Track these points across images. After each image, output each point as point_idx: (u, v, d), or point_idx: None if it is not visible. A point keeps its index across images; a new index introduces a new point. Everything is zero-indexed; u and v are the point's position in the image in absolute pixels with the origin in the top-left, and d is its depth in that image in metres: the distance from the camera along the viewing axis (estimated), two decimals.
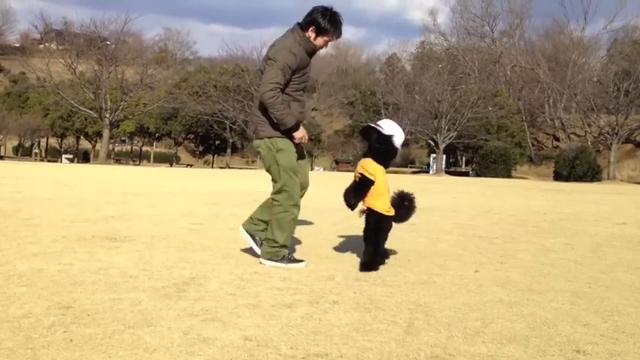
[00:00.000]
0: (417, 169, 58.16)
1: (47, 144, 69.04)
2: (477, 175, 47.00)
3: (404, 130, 4.62)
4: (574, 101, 53.97)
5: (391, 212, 4.21)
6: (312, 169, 54.16)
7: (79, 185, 13.23)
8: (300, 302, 3.20)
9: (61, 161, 57.73)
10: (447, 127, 51.96)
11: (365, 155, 4.31)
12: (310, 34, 4.09)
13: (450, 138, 52.07)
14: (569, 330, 2.87)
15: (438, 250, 5.27)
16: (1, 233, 5.28)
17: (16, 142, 67.11)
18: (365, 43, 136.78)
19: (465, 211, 9.87)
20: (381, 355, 2.42)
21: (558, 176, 42.90)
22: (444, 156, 52.74)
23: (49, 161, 57.82)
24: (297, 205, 4.20)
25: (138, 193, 11.15)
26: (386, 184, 4.24)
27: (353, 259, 4.60)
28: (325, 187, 14.18)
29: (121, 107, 54.47)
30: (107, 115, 53.59)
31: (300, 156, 4.33)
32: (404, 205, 4.34)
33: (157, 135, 62.12)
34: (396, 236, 6.15)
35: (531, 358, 2.46)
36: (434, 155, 53.45)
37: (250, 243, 4.41)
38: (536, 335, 2.76)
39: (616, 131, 47.85)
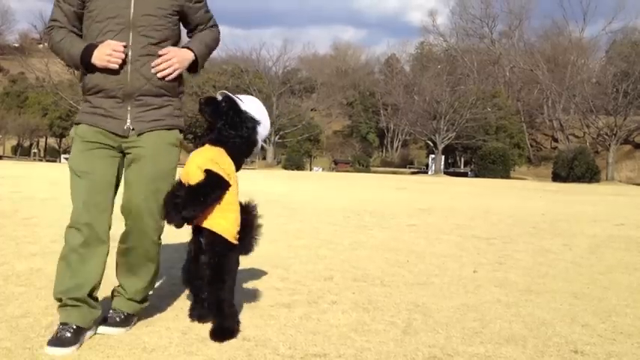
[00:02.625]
0: (416, 170, 58.16)
1: (46, 144, 68.98)
2: (476, 175, 47.03)
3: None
4: (573, 102, 54.05)
5: (235, 239, 2.64)
6: (310, 170, 54.18)
7: None
8: (299, 302, 3.20)
9: (60, 161, 57.68)
10: (445, 128, 52.03)
11: (211, 143, 2.63)
12: None
13: (449, 139, 52.14)
14: (567, 330, 2.87)
15: (436, 251, 5.28)
16: (0, 233, 5.28)
17: (14, 142, 67.07)
18: (364, 44, 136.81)
19: (463, 211, 9.87)
20: (379, 355, 2.42)
21: (557, 177, 42.97)
22: (443, 157, 52.82)
23: (47, 161, 57.78)
24: (77, 228, 2.54)
25: None
26: (237, 195, 2.69)
27: (352, 260, 4.60)
28: (325, 187, 14.19)
29: None
30: None
31: (138, 169, 2.59)
32: (245, 230, 2.69)
33: None
34: (395, 237, 6.17)
35: (529, 359, 2.46)
36: (432, 156, 53.52)
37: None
38: (534, 336, 2.76)
39: (614, 132, 47.95)
